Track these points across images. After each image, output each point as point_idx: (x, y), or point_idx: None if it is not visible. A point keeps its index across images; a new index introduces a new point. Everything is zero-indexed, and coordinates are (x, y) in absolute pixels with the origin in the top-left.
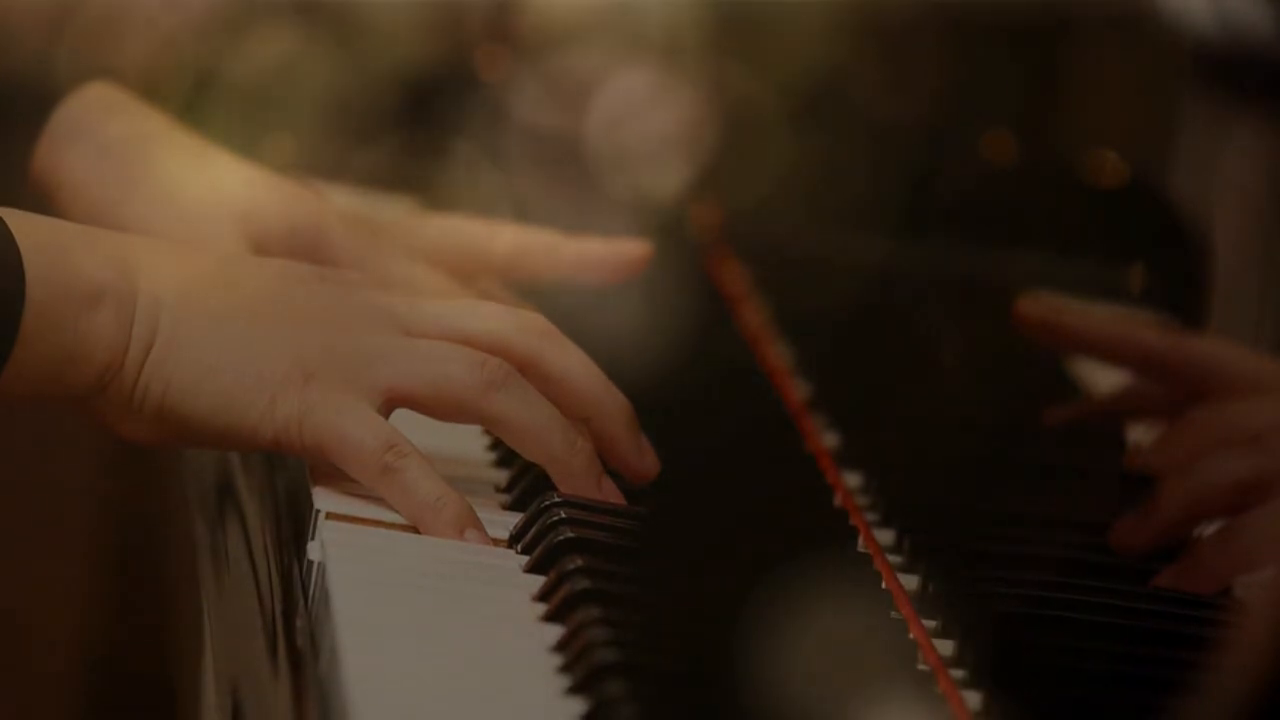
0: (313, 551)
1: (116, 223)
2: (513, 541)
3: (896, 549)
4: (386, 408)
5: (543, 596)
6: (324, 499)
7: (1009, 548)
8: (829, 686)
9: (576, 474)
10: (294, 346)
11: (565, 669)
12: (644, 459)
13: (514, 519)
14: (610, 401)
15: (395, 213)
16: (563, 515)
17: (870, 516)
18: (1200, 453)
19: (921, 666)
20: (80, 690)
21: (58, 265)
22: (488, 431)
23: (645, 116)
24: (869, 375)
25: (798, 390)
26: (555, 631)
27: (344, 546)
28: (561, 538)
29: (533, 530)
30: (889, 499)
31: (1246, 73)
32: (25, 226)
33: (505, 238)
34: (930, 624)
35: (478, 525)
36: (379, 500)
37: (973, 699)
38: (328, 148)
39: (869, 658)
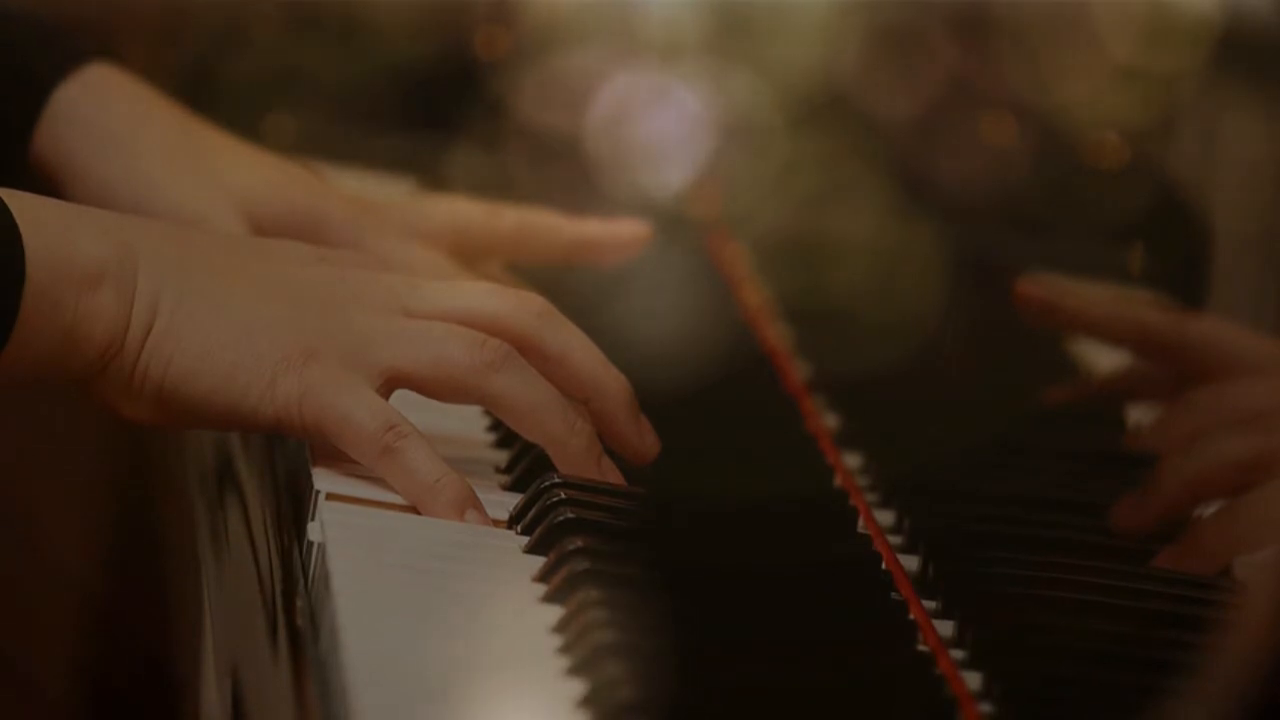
0: (313, 532)
1: (116, 204)
2: (513, 522)
3: (897, 530)
4: (386, 388)
5: (543, 577)
6: (324, 479)
7: (1009, 529)
8: (829, 668)
9: (576, 454)
10: (294, 327)
11: (565, 650)
12: (644, 440)
13: (514, 500)
14: (610, 382)
15: (396, 194)
16: (563, 496)
17: (870, 497)
18: (1200, 433)
19: (922, 647)
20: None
21: (58, 246)
22: (488, 412)
23: (645, 101)
24: (869, 356)
25: (798, 371)
26: (555, 612)
27: (344, 527)
28: (561, 518)
29: (533, 511)
30: (889, 480)
31: (1247, 54)
32: (25, 207)
33: (506, 219)
34: (930, 605)
35: (478, 506)
36: (379, 481)
37: (973, 680)
38: (328, 129)
39: (869, 638)
